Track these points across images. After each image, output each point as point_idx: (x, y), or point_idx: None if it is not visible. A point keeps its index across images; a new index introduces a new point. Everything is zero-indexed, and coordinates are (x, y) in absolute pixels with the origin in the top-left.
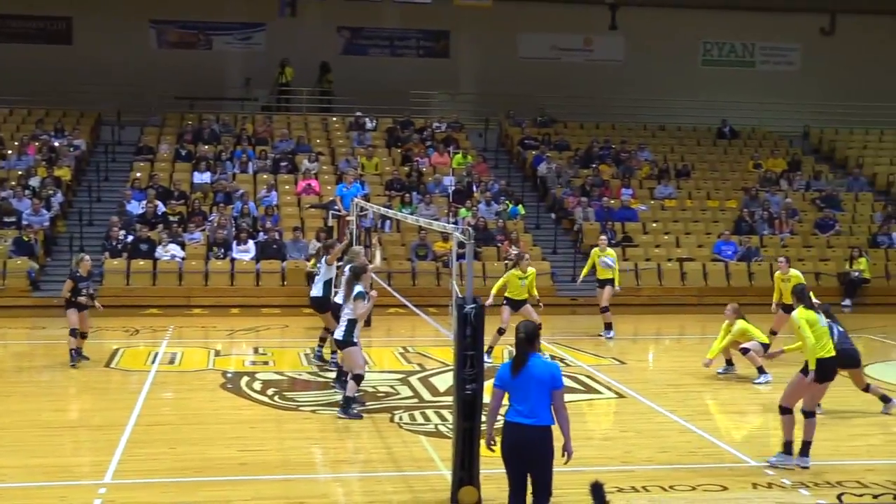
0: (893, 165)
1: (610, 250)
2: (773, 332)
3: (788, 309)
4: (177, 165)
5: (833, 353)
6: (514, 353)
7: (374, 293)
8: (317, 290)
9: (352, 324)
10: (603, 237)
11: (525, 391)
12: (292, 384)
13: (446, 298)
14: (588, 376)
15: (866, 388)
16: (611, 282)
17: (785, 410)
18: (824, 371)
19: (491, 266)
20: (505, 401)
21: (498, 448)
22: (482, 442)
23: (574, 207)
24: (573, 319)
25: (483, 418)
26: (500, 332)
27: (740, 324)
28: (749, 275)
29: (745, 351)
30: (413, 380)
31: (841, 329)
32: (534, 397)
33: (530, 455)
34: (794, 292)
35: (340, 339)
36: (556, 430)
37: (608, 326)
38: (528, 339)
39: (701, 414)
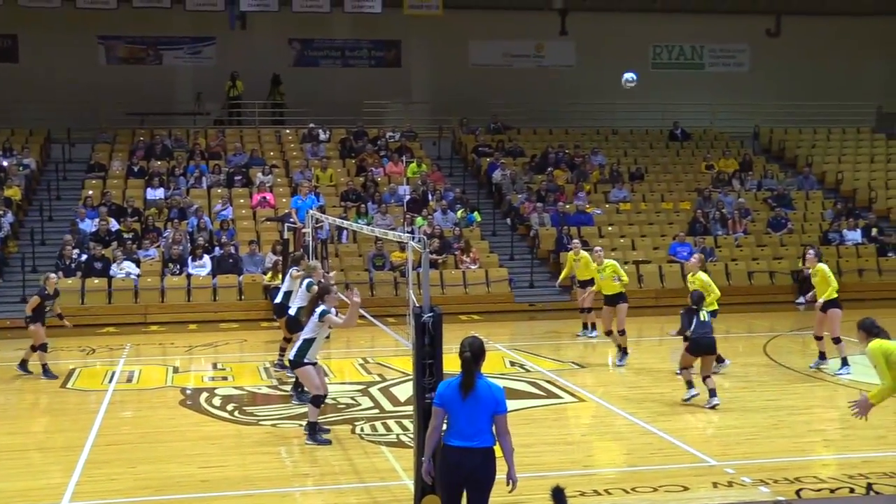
0: (842, 163)
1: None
2: (831, 339)
3: (827, 306)
4: (129, 182)
5: None
6: (462, 374)
7: (357, 299)
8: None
9: (307, 343)
10: (576, 241)
11: (469, 414)
12: (252, 399)
13: (404, 308)
14: (548, 381)
15: (706, 377)
16: (591, 282)
17: None
18: None
19: (448, 274)
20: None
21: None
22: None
23: (530, 213)
24: (532, 325)
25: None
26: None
27: (699, 276)
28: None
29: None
30: (373, 390)
31: (703, 319)
32: (478, 420)
33: (471, 478)
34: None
35: (292, 358)
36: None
37: (592, 326)
38: (474, 359)
39: (661, 415)
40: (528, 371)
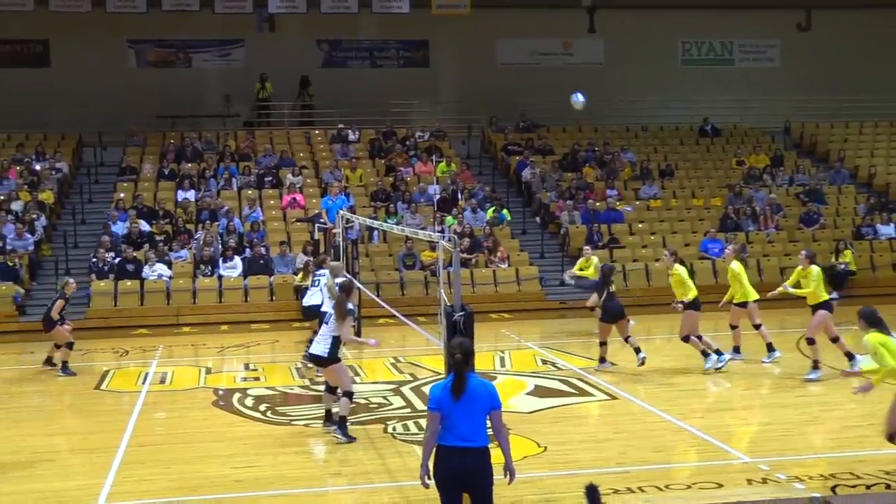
0: (874, 157)
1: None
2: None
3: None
4: (160, 184)
5: None
6: (453, 375)
7: (373, 343)
8: (316, 300)
9: (337, 340)
10: (587, 248)
11: (465, 414)
12: (284, 398)
13: (435, 307)
14: (580, 379)
15: (627, 339)
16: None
17: None
18: None
19: (479, 273)
20: None
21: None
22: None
23: (560, 211)
24: (563, 323)
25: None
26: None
27: (676, 269)
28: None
29: (686, 339)
30: (405, 389)
31: (611, 291)
32: (474, 419)
33: (471, 479)
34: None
35: (326, 356)
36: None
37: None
38: (465, 360)
39: (693, 412)
40: (559, 369)
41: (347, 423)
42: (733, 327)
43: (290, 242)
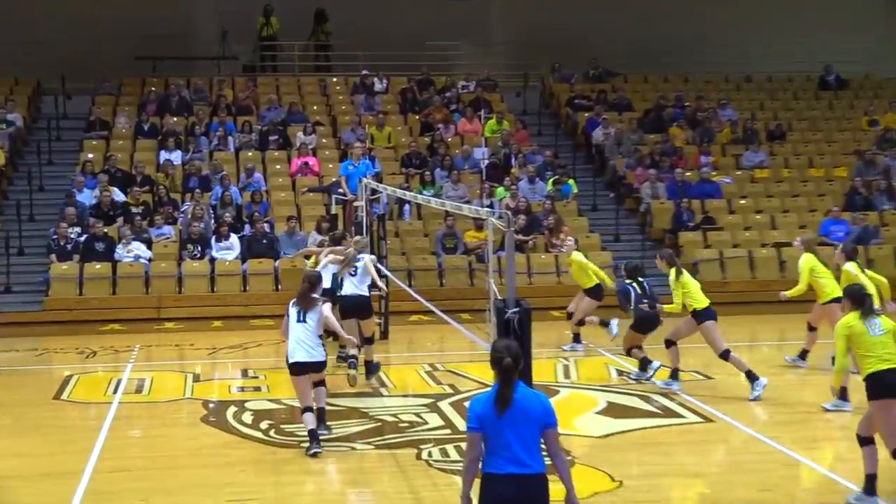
0: None
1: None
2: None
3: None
4: (139, 143)
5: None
6: (499, 385)
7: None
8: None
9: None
10: (570, 240)
11: (514, 433)
12: (292, 414)
13: (482, 301)
14: (665, 395)
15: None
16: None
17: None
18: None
19: (537, 259)
20: None
21: None
22: None
23: (640, 183)
24: None
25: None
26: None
27: (673, 275)
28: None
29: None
30: (444, 405)
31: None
32: (527, 440)
33: None
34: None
35: (324, 359)
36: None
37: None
38: (514, 366)
39: (811, 441)
40: (639, 382)
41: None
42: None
43: (300, 218)
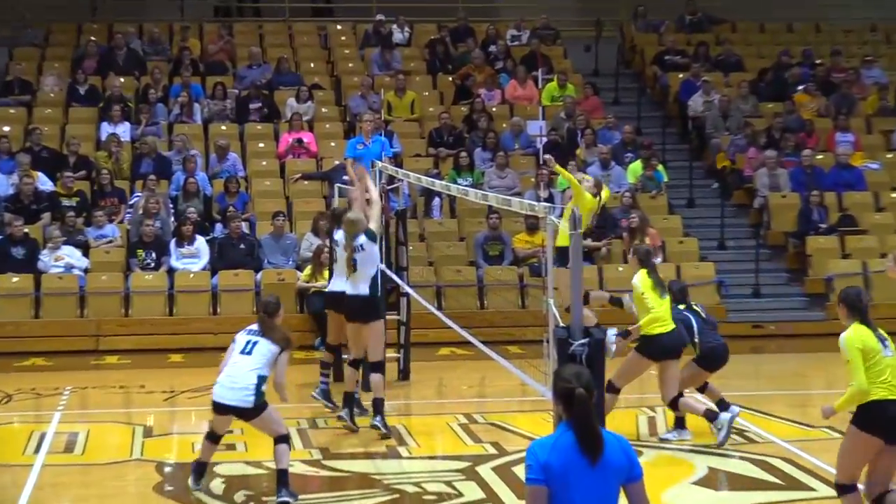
0: None
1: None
2: None
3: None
4: (72, 112)
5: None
6: (577, 424)
7: None
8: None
9: (263, 380)
10: (588, 177)
11: (593, 488)
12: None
13: (538, 329)
14: (787, 460)
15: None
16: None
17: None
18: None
19: (613, 273)
20: None
21: None
22: None
23: (753, 169)
24: (759, 361)
25: None
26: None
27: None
28: None
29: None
30: (485, 470)
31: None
32: (606, 496)
33: None
34: None
35: (252, 406)
36: None
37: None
38: (590, 397)
39: None
40: (750, 440)
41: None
42: None
43: (290, 215)
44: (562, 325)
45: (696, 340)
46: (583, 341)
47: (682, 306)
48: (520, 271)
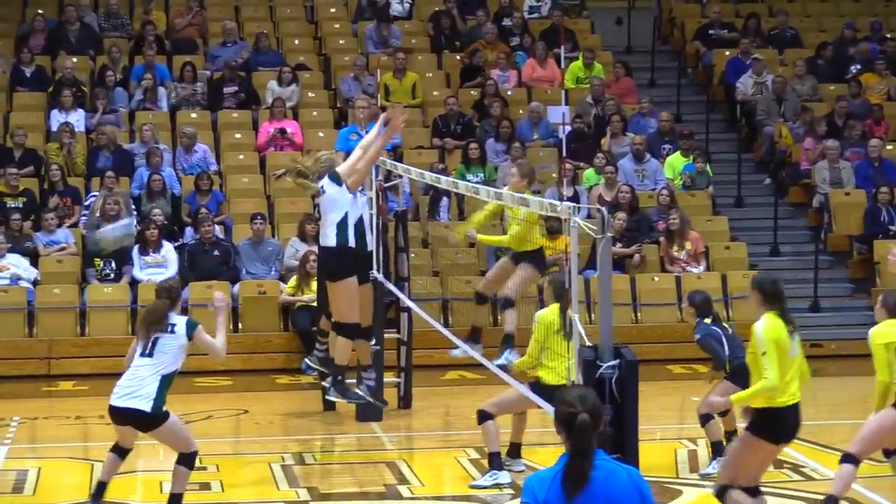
0: None
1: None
2: None
3: None
4: (17, 98)
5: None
6: (569, 456)
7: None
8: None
9: (166, 381)
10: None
11: None
12: None
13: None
14: (850, 499)
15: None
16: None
17: None
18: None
19: (646, 283)
20: None
21: None
22: None
23: (811, 162)
24: (817, 385)
25: None
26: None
27: None
28: None
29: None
30: None
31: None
32: None
33: None
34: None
35: (150, 411)
36: None
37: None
38: (595, 425)
39: None
40: (810, 478)
41: None
42: None
43: (272, 217)
44: (587, 343)
45: (727, 357)
46: (612, 363)
47: (707, 320)
48: (539, 282)
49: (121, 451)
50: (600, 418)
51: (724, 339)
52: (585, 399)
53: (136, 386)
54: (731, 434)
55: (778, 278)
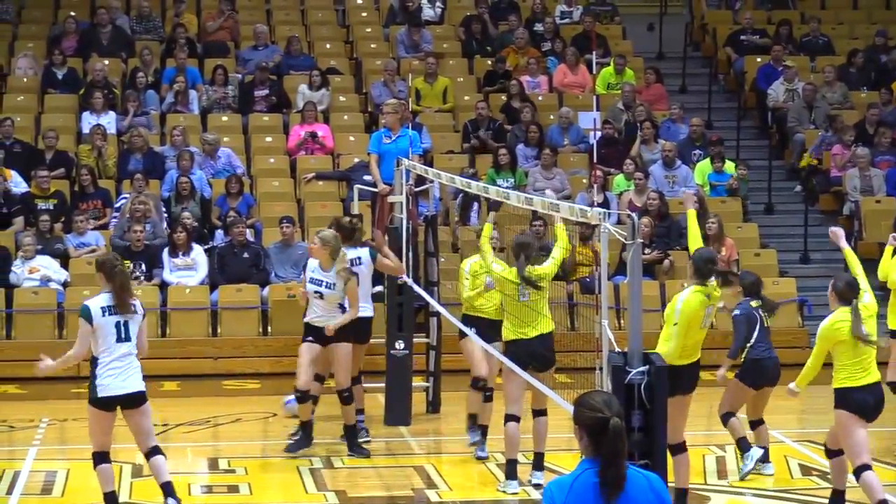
0: None
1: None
2: None
3: None
4: (48, 100)
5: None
6: (604, 459)
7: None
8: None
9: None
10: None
11: None
12: None
13: (590, 356)
14: None
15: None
16: None
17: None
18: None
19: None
20: None
21: None
22: None
23: (842, 169)
24: None
25: None
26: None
27: None
28: None
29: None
30: None
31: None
32: None
33: None
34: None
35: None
36: None
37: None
38: (624, 428)
39: None
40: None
41: None
42: None
43: (302, 221)
44: (617, 349)
45: (749, 345)
46: (641, 369)
47: (754, 303)
48: (569, 288)
49: (107, 457)
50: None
51: (757, 328)
52: (611, 403)
53: (131, 369)
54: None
55: (713, 254)
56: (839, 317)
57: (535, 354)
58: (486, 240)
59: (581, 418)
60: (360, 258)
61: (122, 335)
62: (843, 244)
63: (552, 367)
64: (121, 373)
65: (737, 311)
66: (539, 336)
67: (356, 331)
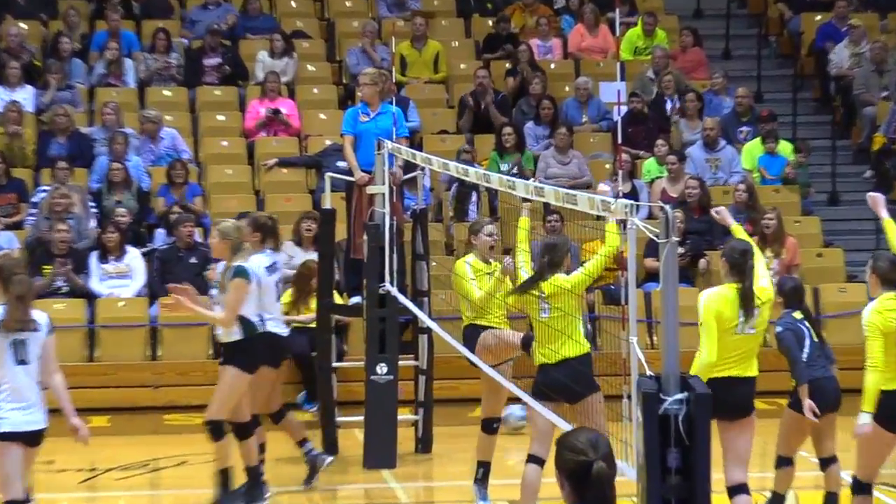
0: None
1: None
2: None
3: None
4: None
5: None
6: None
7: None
8: None
9: None
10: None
11: None
12: None
13: (614, 380)
14: None
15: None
16: None
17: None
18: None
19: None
20: None
21: None
22: None
23: None
24: None
25: None
26: None
27: None
28: None
29: None
30: None
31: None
32: None
33: None
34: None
35: None
36: None
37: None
38: (613, 474)
39: None
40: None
41: None
42: None
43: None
44: (649, 372)
45: (803, 364)
46: (679, 397)
47: (797, 314)
48: (589, 298)
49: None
50: (615, 466)
51: (806, 343)
52: (598, 445)
53: (35, 398)
54: (831, 496)
55: (748, 248)
56: (886, 305)
57: (554, 384)
58: (524, 236)
59: (561, 462)
60: (276, 263)
61: (20, 357)
62: (884, 213)
63: (581, 400)
64: (24, 405)
65: (779, 328)
66: (564, 362)
67: (255, 353)
